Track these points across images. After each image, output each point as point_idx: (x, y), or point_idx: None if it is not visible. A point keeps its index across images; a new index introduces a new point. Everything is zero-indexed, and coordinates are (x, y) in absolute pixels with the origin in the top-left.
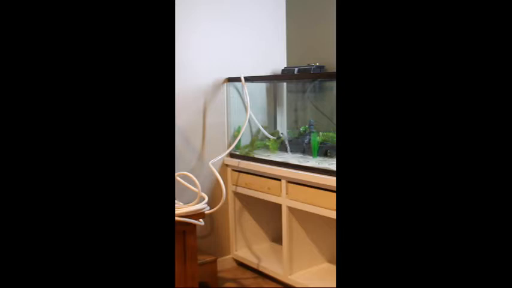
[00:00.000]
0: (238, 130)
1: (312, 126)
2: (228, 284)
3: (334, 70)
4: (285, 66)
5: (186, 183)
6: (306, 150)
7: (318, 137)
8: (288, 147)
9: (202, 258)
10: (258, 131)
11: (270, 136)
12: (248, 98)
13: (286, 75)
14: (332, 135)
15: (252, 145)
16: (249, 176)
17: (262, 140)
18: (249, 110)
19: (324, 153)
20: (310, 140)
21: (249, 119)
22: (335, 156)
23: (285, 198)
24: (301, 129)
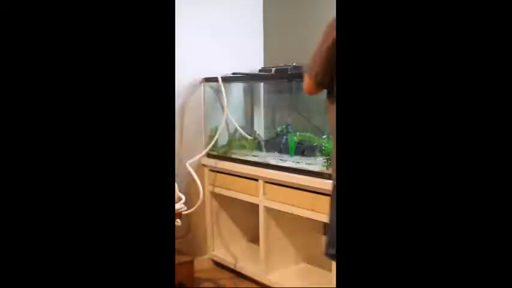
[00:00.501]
0: (216, 130)
1: (289, 126)
2: (205, 284)
3: None
4: (262, 66)
5: None
6: (283, 150)
7: (295, 137)
8: (263, 147)
9: (179, 259)
10: (235, 131)
11: (247, 136)
12: (225, 98)
13: (264, 74)
14: (309, 135)
15: (230, 145)
16: (226, 176)
17: (239, 140)
18: (226, 110)
19: (301, 153)
20: (287, 140)
21: (226, 119)
22: (312, 156)
23: (262, 199)
24: (278, 129)
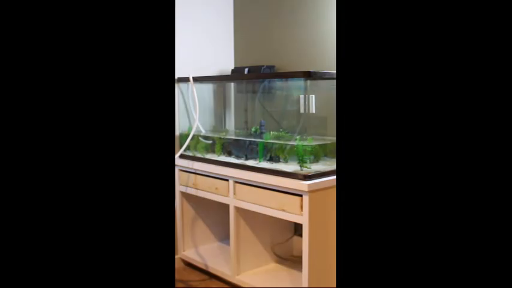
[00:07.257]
0: (189, 131)
1: (263, 127)
2: (175, 285)
3: (284, 70)
4: (232, 67)
5: None
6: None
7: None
8: (231, 148)
9: None
10: (207, 131)
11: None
12: (197, 98)
13: (237, 75)
14: (282, 135)
15: (200, 145)
16: (198, 176)
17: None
18: (198, 111)
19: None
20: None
21: (198, 120)
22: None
23: (233, 199)
24: (252, 129)
